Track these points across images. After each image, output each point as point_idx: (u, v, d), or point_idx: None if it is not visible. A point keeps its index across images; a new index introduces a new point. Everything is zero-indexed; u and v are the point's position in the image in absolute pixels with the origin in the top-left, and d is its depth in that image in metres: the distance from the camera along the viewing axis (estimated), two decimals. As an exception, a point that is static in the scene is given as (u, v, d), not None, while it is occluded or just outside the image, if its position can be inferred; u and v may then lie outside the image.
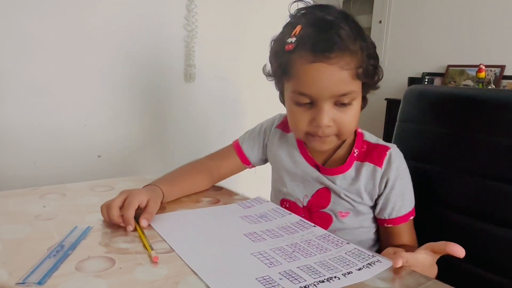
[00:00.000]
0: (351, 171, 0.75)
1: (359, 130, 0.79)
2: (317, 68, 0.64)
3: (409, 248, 0.61)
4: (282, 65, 0.69)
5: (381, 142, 0.77)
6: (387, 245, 0.71)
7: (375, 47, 0.70)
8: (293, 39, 0.66)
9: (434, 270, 0.59)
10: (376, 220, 0.78)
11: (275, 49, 0.72)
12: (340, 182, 0.75)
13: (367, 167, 0.74)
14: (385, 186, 0.73)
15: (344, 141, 0.77)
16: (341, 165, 0.75)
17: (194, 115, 1.34)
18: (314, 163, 0.78)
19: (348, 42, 0.64)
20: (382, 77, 0.73)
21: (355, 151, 0.76)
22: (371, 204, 0.75)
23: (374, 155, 0.74)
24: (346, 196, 0.75)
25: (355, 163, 0.75)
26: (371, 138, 0.78)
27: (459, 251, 0.53)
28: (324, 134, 0.69)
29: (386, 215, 0.74)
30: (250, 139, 0.88)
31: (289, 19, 0.71)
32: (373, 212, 0.77)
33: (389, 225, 0.74)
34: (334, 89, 0.65)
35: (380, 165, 0.73)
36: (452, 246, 0.53)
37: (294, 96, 0.69)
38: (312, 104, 0.68)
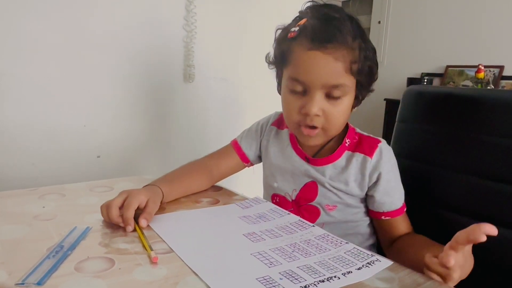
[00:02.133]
0: (341, 161, 0.76)
1: (351, 126, 0.80)
2: (312, 56, 0.66)
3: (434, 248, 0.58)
4: (283, 52, 0.72)
5: (372, 136, 0.78)
6: (386, 236, 0.76)
7: (375, 52, 0.72)
8: (297, 28, 0.69)
9: (471, 261, 0.57)
10: (367, 214, 0.78)
11: (279, 36, 0.75)
12: (330, 171, 0.75)
13: (357, 157, 0.75)
14: (379, 178, 0.73)
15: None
16: (331, 155, 0.76)
17: (194, 115, 1.34)
18: (304, 155, 0.79)
19: (347, 37, 0.66)
20: (376, 78, 0.74)
21: (347, 141, 0.77)
22: (361, 194, 0.75)
23: (365, 146, 0.75)
24: (332, 186, 0.75)
25: (346, 152, 0.76)
26: (363, 133, 0.79)
27: (492, 230, 0.49)
28: (312, 122, 0.69)
29: (385, 209, 0.74)
30: (248, 137, 0.89)
31: (298, 14, 0.74)
32: (365, 205, 0.77)
33: (387, 218, 0.75)
34: (326, 78, 0.66)
35: (370, 155, 0.74)
36: (485, 227, 0.48)
37: (289, 83, 0.70)
38: (305, 93, 0.69)
